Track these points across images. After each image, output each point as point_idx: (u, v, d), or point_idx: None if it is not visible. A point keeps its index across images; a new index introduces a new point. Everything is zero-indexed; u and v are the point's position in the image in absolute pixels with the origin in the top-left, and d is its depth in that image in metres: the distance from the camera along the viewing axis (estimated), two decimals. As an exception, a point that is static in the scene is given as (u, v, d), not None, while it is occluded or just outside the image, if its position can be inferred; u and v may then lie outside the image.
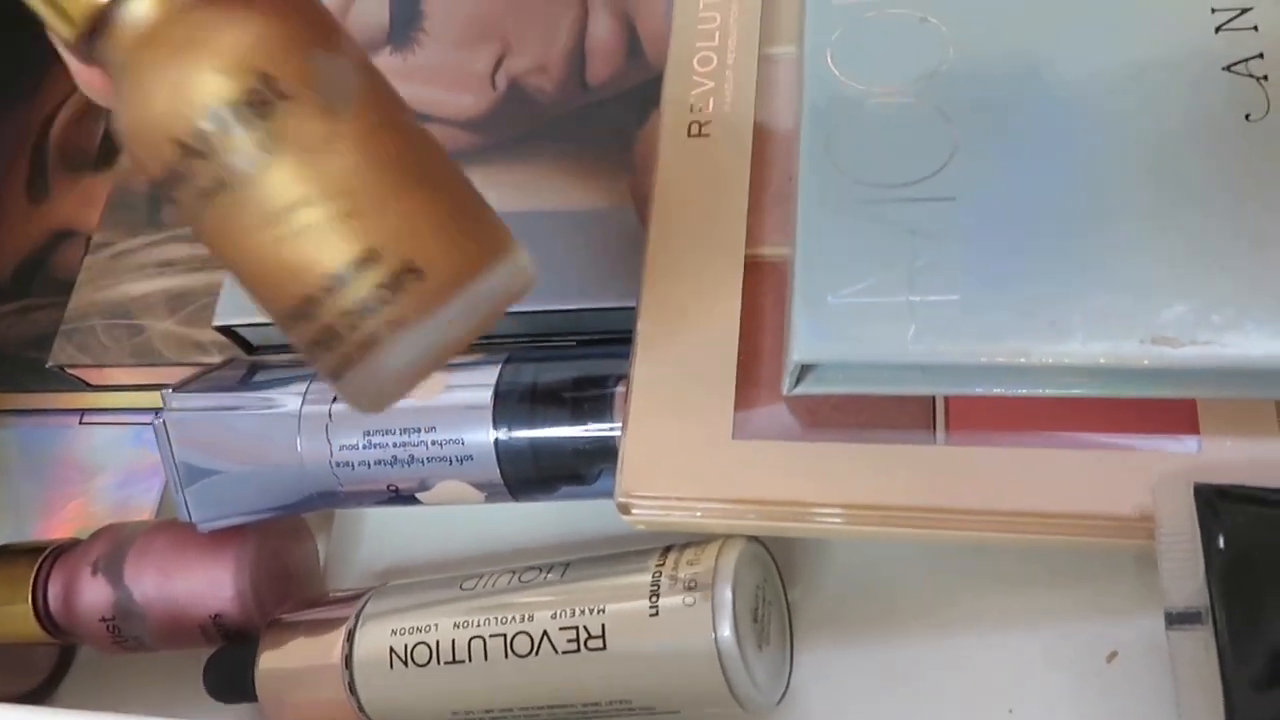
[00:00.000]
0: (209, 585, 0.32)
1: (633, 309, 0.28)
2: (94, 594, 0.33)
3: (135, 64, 0.17)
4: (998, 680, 0.25)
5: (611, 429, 0.28)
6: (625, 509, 0.25)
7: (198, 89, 0.17)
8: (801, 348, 0.23)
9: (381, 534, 0.35)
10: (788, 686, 0.27)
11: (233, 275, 0.19)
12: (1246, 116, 0.23)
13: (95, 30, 0.18)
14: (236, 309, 0.33)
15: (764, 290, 0.27)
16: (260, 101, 0.17)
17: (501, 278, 0.19)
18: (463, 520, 0.34)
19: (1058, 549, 0.24)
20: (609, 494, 0.30)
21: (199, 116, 0.17)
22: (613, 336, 0.31)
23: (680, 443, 0.25)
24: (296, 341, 0.18)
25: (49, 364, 0.37)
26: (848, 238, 0.24)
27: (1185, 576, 0.21)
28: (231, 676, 0.31)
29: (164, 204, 0.17)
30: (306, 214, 0.17)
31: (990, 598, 0.26)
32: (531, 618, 0.26)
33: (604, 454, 0.29)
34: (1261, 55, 0.24)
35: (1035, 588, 0.26)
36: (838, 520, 0.24)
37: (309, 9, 0.18)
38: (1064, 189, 0.24)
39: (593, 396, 0.29)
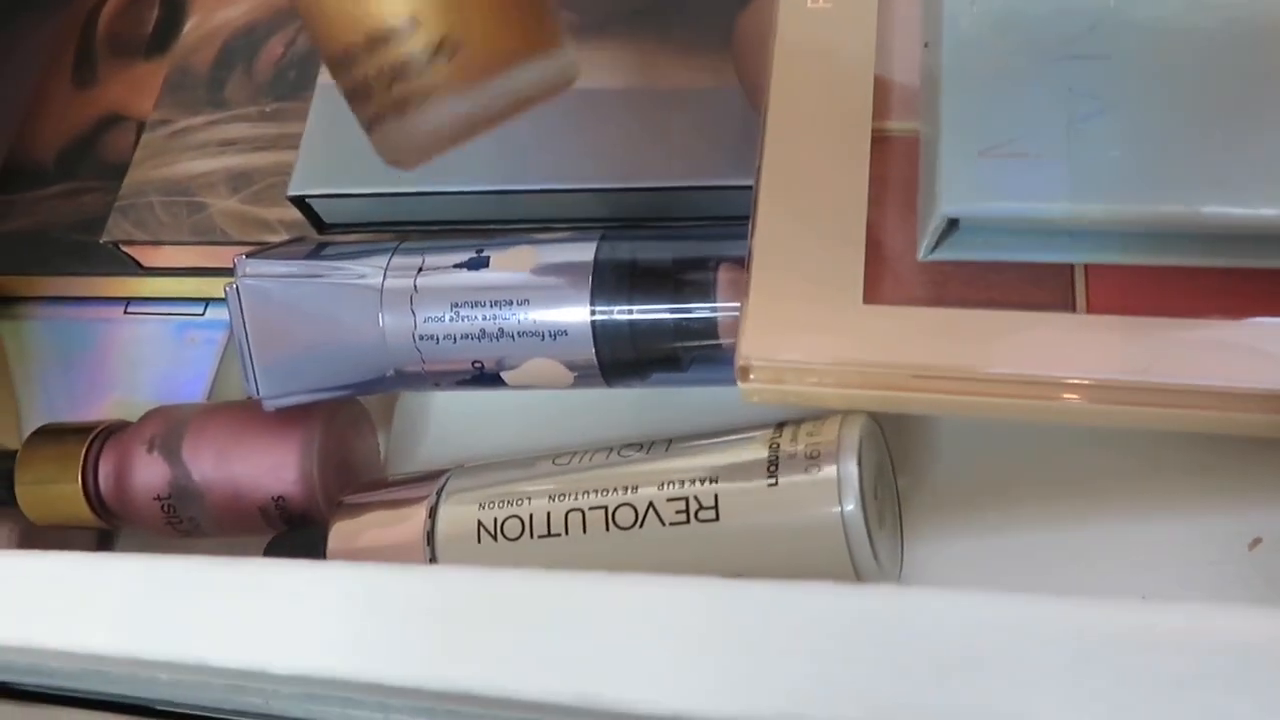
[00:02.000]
0: (272, 466, 0.31)
1: (735, 189, 0.27)
2: (149, 472, 0.31)
3: None
4: (1126, 569, 0.24)
5: (714, 310, 0.27)
6: (744, 374, 0.24)
7: None
8: (950, 200, 0.22)
9: (445, 429, 0.34)
10: (900, 575, 0.26)
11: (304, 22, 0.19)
12: None
13: None
14: (313, 179, 0.31)
15: (891, 166, 0.26)
16: None
17: (541, 70, 0.19)
18: (530, 418, 0.33)
19: (1206, 429, 0.22)
20: (702, 382, 0.29)
21: None
22: (713, 220, 0.30)
23: (805, 307, 0.24)
24: (341, 86, 0.19)
25: (103, 239, 0.35)
26: (997, 93, 0.23)
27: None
28: (298, 558, 0.29)
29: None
30: None
31: (1115, 485, 0.25)
32: (636, 489, 0.25)
33: (705, 335, 0.27)
34: None
35: (1167, 474, 0.25)
36: (969, 390, 0.23)
37: None
38: (1226, 43, 0.22)
39: (695, 276, 0.28)
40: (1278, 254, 0.22)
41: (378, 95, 0.18)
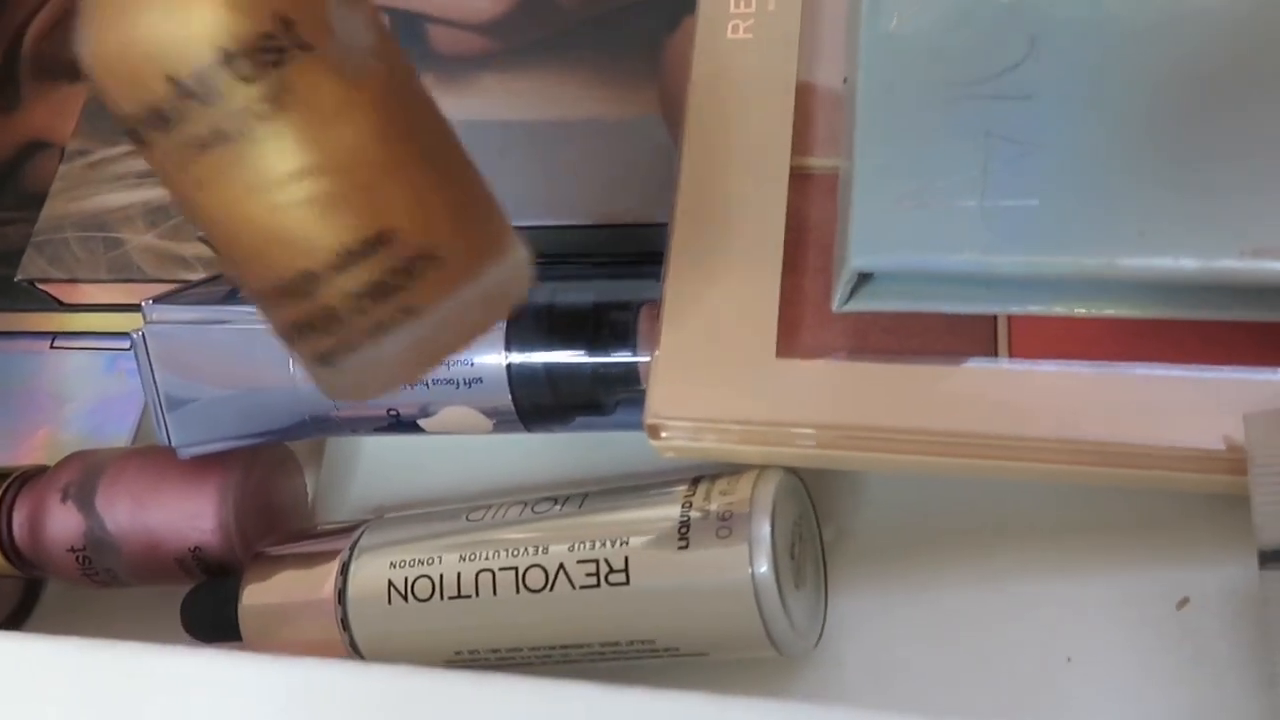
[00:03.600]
0: (189, 515, 0.30)
1: (660, 227, 0.26)
2: (63, 522, 0.30)
3: None
4: (1054, 627, 0.23)
5: (635, 354, 0.26)
6: (655, 432, 0.23)
7: (207, 23, 0.15)
8: (861, 253, 0.21)
9: (375, 469, 0.33)
10: (822, 632, 0.25)
11: (209, 237, 0.16)
12: (1355, 15, 0.21)
13: None
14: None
15: (811, 204, 0.25)
16: (276, 48, 0.15)
17: (508, 271, 0.17)
18: (464, 456, 0.32)
19: (1133, 485, 0.22)
20: (629, 426, 0.28)
21: (204, 55, 0.15)
22: (636, 258, 0.29)
23: (718, 361, 0.23)
24: (280, 320, 0.17)
25: (18, 278, 0.34)
26: (913, 136, 0.22)
27: (1282, 512, 0.19)
28: (213, 612, 0.28)
29: (131, 141, 0.15)
30: (314, 183, 0.15)
31: (1045, 540, 0.24)
32: (546, 550, 0.24)
33: (625, 381, 0.26)
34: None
35: (1096, 530, 0.24)
36: (888, 447, 0.22)
37: None
38: (1153, 87, 0.21)
39: (615, 319, 0.27)
40: (1204, 305, 0.21)
41: (345, 324, 0.16)
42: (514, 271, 0.18)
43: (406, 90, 0.17)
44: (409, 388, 0.27)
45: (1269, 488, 0.19)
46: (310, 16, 0.15)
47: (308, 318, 0.16)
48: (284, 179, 0.15)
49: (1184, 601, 0.23)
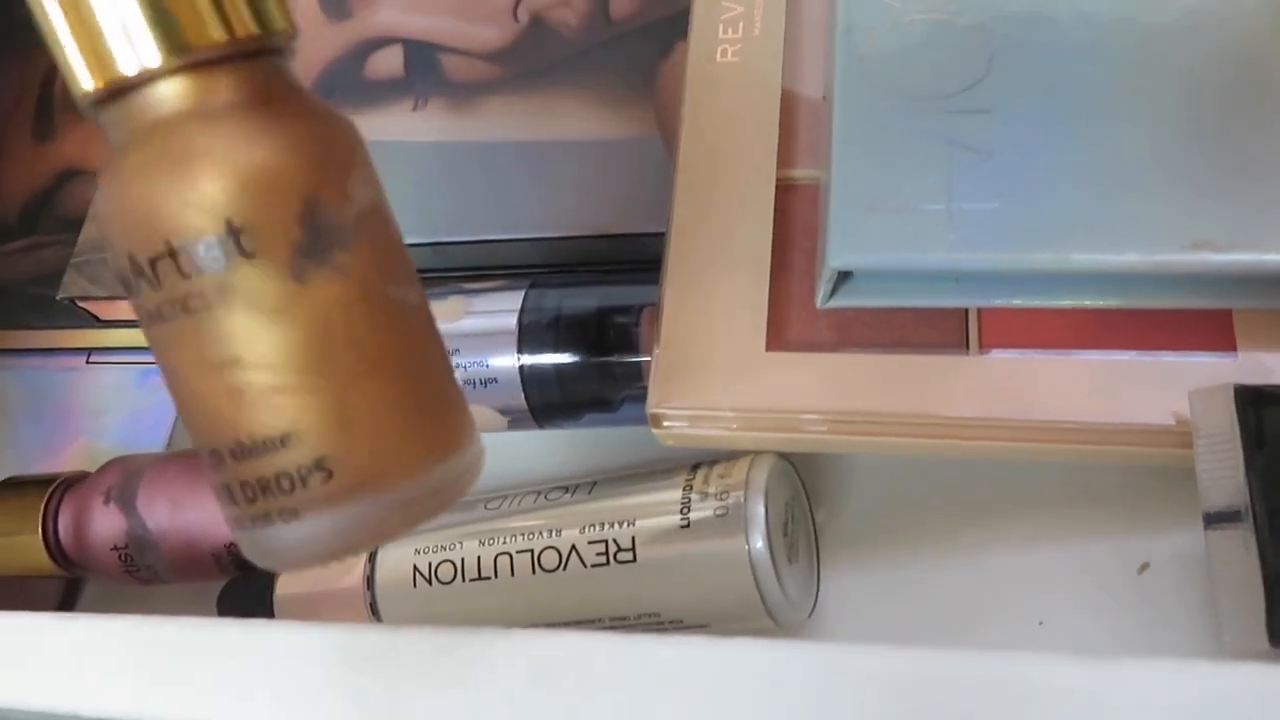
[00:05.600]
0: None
1: (659, 236, 0.28)
2: (106, 523, 0.32)
3: (146, 144, 0.16)
4: (1027, 594, 0.25)
5: (637, 355, 0.28)
6: (657, 421, 0.25)
7: (207, 202, 0.15)
8: (838, 254, 0.23)
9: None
10: (815, 604, 0.27)
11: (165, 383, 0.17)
12: (1282, 31, 0.23)
13: (113, 97, 0.16)
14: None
15: (795, 212, 0.27)
16: (221, 253, 0.16)
17: (455, 469, 0.17)
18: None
19: (1091, 460, 0.24)
20: (635, 421, 0.30)
21: (155, 247, 0.16)
22: (637, 265, 0.31)
23: (713, 355, 0.25)
24: (209, 479, 0.17)
25: (59, 296, 0.36)
26: (884, 148, 0.24)
27: (1224, 477, 0.21)
28: (248, 605, 0.30)
29: (120, 284, 0.16)
30: (240, 374, 0.16)
31: (1018, 516, 0.26)
32: (559, 533, 0.26)
33: (630, 379, 0.29)
34: (1297, -29, 0.24)
35: (1063, 505, 0.26)
36: (870, 431, 0.24)
37: (343, 149, 0.17)
38: (1100, 100, 0.24)
39: (620, 322, 0.29)
40: (1152, 295, 0.23)
41: (240, 505, 0.16)
42: (464, 468, 0.17)
43: (373, 297, 0.16)
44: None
45: (1211, 456, 0.21)
46: (271, 225, 0.16)
47: (215, 484, 0.17)
48: (218, 364, 0.16)
49: (1144, 566, 0.25)
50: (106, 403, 0.40)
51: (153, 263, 0.16)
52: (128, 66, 0.16)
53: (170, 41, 0.16)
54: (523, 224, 0.31)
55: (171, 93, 0.16)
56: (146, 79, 0.16)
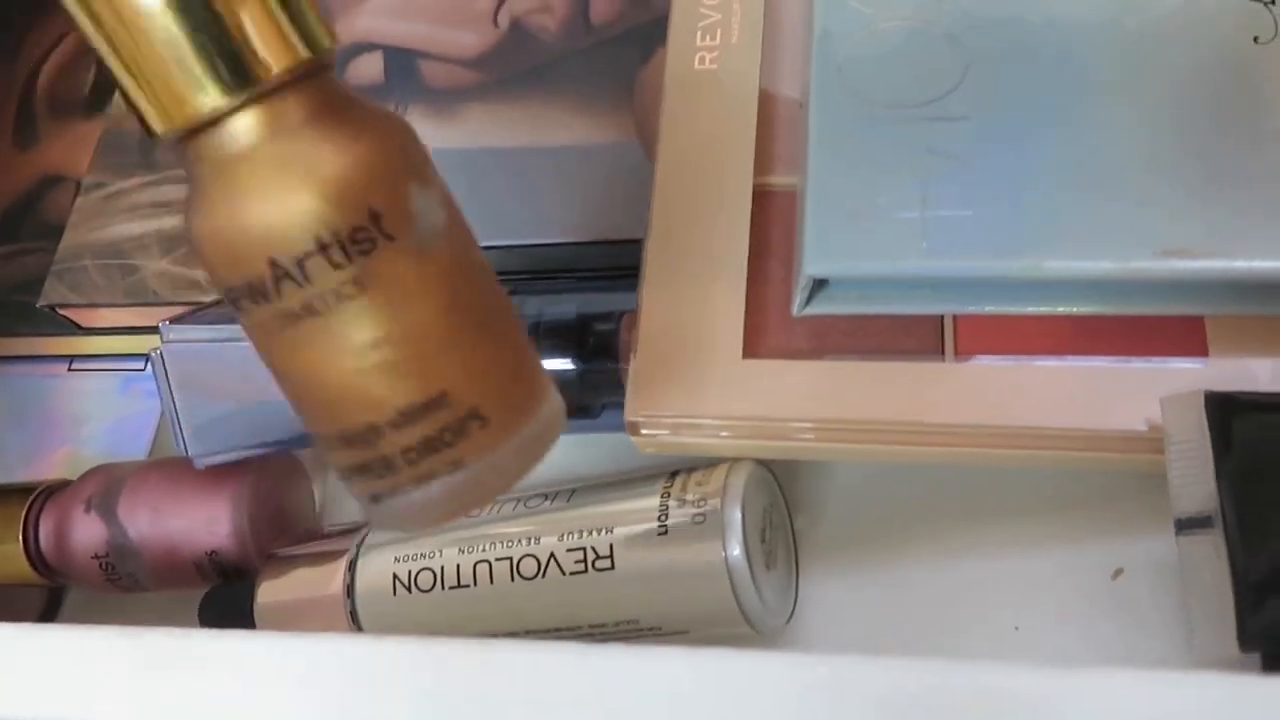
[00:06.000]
0: (205, 521, 0.32)
1: (639, 242, 0.28)
2: (87, 532, 0.32)
3: (234, 175, 0.17)
4: (1003, 600, 0.25)
5: (617, 362, 0.28)
6: (635, 429, 0.25)
7: (308, 215, 0.17)
8: (814, 261, 0.23)
9: (379, 477, 0.35)
10: (794, 610, 0.27)
11: (283, 387, 0.19)
12: (1255, 39, 0.24)
13: (190, 134, 0.17)
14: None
15: (773, 218, 0.27)
16: (366, 239, 0.17)
17: (544, 422, 0.19)
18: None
19: (1066, 466, 0.24)
20: (615, 428, 0.30)
21: (302, 243, 0.17)
22: (617, 272, 0.31)
23: (691, 363, 0.25)
24: (340, 462, 0.19)
25: (40, 303, 0.36)
26: (860, 156, 0.24)
27: (1195, 483, 0.21)
28: (229, 612, 0.30)
29: (229, 304, 0.18)
30: (385, 352, 0.17)
31: (994, 522, 0.26)
32: (538, 540, 0.26)
33: (611, 386, 0.29)
34: (1269, -20, 0.24)
35: (1039, 511, 0.26)
36: (847, 438, 0.24)
37: (409, 140, 0.18)
38: (1075, 108, 0.24)
39: (600, 330, 0.29)
40: (1125, 302, 0.23)
41: (402, 470, 0.18)
42: (549, 421, 0.19)
43: (468, 263, 0.18)
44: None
45: (1183, 463, 0.21)
46: (396, 209, 0.17)
47: (366, 463, 0.18)
48: (360, 348, 0.17)
49: (1119, 572, 0.25)
50: (89, 410, 0.40)
51: (300, 262, 0.17)
52: (204, 106, 0.17)
53: (238, 78, 0.17)
54: (503, 230, 0.31)
55: (279, 110, 0.17)
56: (229, 111, 0.17)
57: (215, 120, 0.17)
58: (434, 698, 0.19)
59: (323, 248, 0.17)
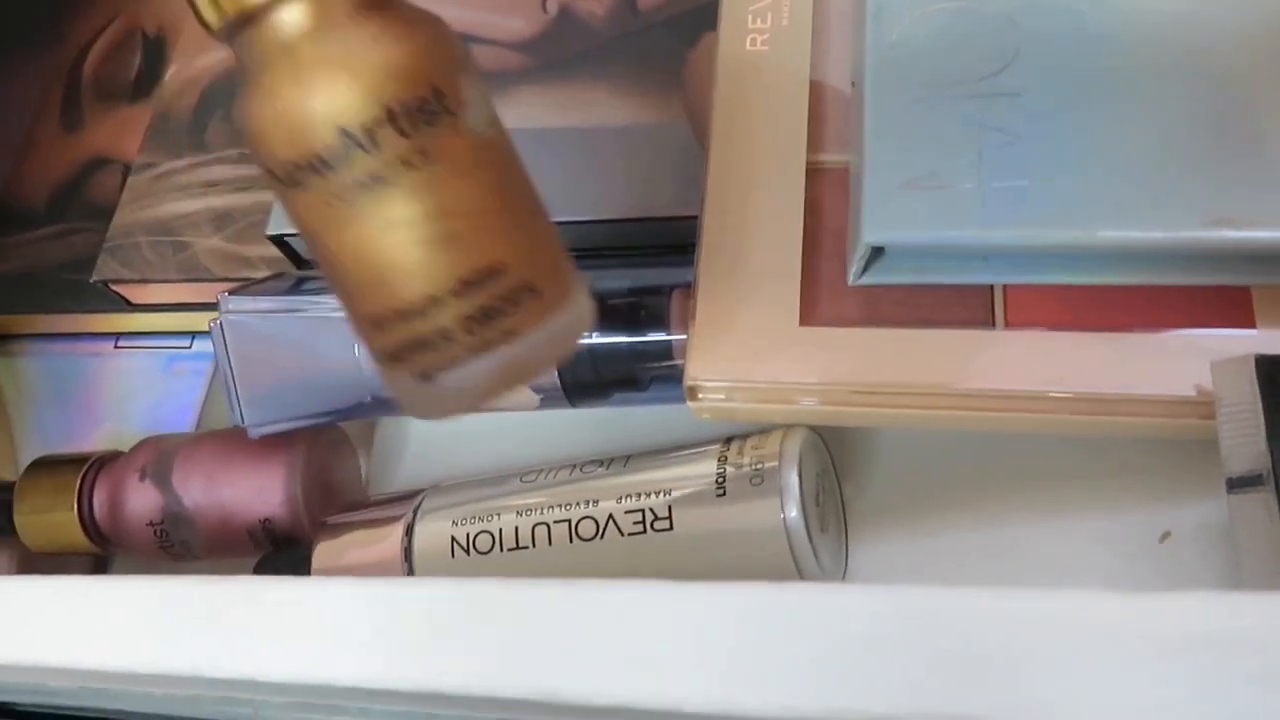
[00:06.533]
0: (259, 490, 0.32)
1: (689, 219, 0.29)
2: (142, 500, 0.33)
3: (298, 56, 0.18)
4: (1049, 563, 0.26)
5: (668, 334, 0.29)
6: (693, 393, 0.26)
7: (381, 86, 0.17)
8: (872, 230, 0.24)
9: (422, 451, 0.36)
10: (845, 573, 0.27)
11: (333, 267, 0.19)
12: (1298, 18, 0.24)
13: (246, 23, 0.18)
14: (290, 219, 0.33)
15: (825, 194, 0.28)
16: (430, 111, 0.18)
17: (574, 312, 0.20)
18: (503, 437, 0.34)
19: (1114, 432, 0.24)
20: (663, 400, 0.30)
21: (372, 112, 0.17)
22: (666, 248, 0.32)
23: (748, 330, 0.26)
24: (388, 341, 0.19)
25: (93, 279, 0.37)
26: (915, 130, 0.25)
27: (1246, 445, 0.22)
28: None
29: (277, 189, 0.19)
30: (444, 223, 0.18)
31: (1041, 487, 0.27)
32: (596, 503, 0.27)
33: (659, 358, 0.29)
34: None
35: (1086, 476, 0.27)
36: (899, 403, 0.25)
37: (456, 36, 0.19)
38: (1124, 83, 0.24)
39: (650, 303, 0.30)
40: (1173, 272, 0.24)
41: (459, 341, 0.19)
42: (579, 313, 0.20)
43: (512, 152, 0.20)
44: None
45: (1233, 425, 0.22)
46: (454, 89, 0.18)
47: (421, 337, 0.19)
48: (420, 218, 0.18)
49: (1166, 535, 0.26)
50: (133, 388, 0.40)
51: (370, 130, 0.17)
52: None
53: None
54: (554, 208, 0.32)
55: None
56: None
57: (270, 5, 0.18)
58: (497, 640, 0.19)
59: (391, 117, 0.17)
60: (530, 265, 0.19)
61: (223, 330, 0.31)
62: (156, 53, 0.43)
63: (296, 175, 0.18)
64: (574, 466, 0.28)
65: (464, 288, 0.18)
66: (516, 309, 0.19)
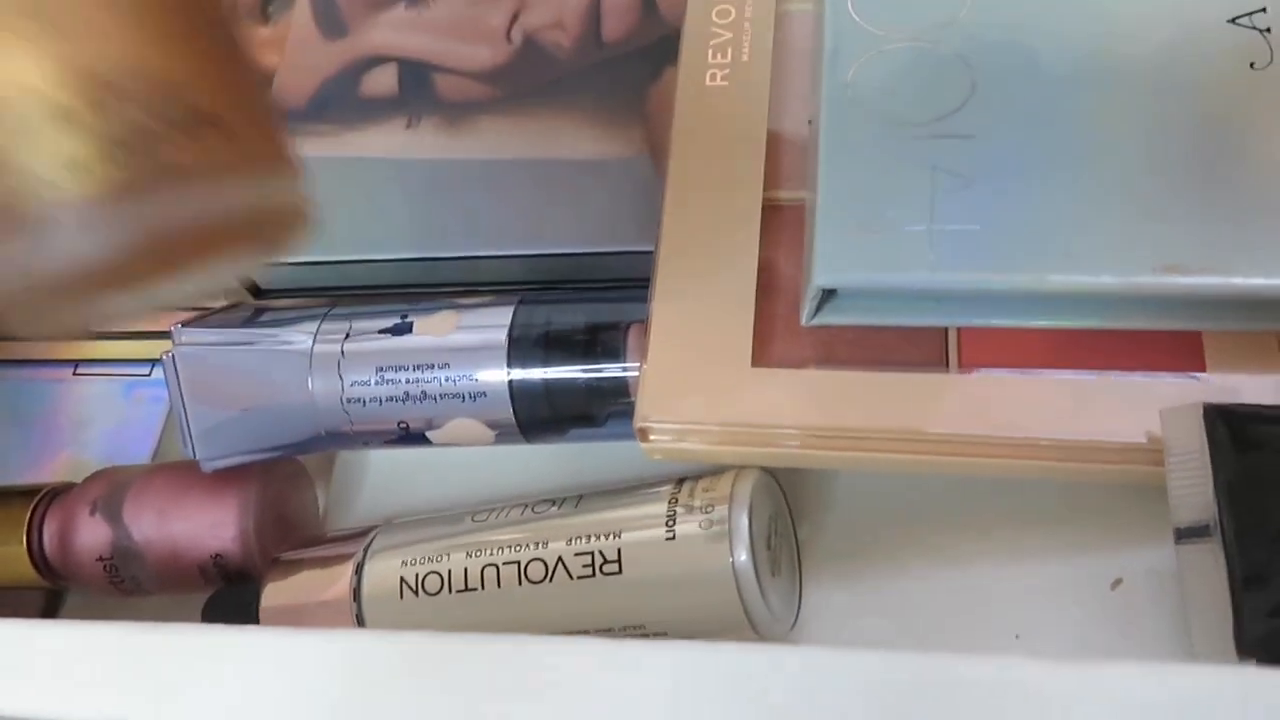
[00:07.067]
0: (210, 525, 0.32)
1: (647, 253, 0.29)
2: (92, 534, 0.32)
3: None
4: (1004, 609, 0.26)
5: (624, 370, 0.29)
6: (644, 434, 0.26)
7: None
8: (824, 272, 0.24)
9: (382, 483, 0.35)
10: (798, 617, 0.27)
11: None
12: (1251, 65, 0.24)
13: None
14: (247, 249, 0.33)
15: (781, 232, 0.27)
16: None
17: (282, 196, 0.16)
18: (463, 470, 0.34)
19: (1066, 477, 0.24)
20: (619, 436, 0.30)
21: None
22: (624, 283, 0.32)
23: (700, 370, 0.26)
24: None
25: (48, 307, 0.36)
26: (869, 170, 0.25)
27: (1194, 493, 0.21)
28: (234, 615, 0.30)
29: None
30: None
31: (995, 532, 0.27)
32: (546, 544, 0.26)
33: (616, 393, 0.29)
34: (1265, 9, 0.25)
35: (1040, 522, 0.26)
36: (853, 446, 0.25)
37: None
38: (1078, 128, 0.24)
39: (606, 338, 0.29)
40: (1125, 317, 0.24)
41: (96, 170, 0.14)
42: (292, 195, 0.16)
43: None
44: (418, 401, 0.29)
45: (1182, 473, 0.22)
46: None
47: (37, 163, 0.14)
48: None
49: (1118, 582, 0.25)
50: (92, 414, 0.40)
51: None
52: None
53: None
54: (513, 240, 0.31)
55: None
56: None
57: None
58: (439, 693, 0.19)
59: None
60: (212, 91, 0.14)
61: (174, 362, 0.31)
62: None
63: None
64: (526, 505, 0.28)
65: (105, 92, 0.13)
66: (185, 139, 0.14)
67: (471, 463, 0.34)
